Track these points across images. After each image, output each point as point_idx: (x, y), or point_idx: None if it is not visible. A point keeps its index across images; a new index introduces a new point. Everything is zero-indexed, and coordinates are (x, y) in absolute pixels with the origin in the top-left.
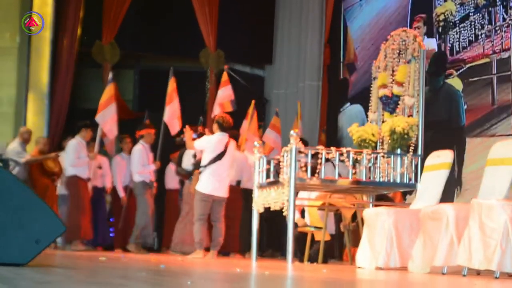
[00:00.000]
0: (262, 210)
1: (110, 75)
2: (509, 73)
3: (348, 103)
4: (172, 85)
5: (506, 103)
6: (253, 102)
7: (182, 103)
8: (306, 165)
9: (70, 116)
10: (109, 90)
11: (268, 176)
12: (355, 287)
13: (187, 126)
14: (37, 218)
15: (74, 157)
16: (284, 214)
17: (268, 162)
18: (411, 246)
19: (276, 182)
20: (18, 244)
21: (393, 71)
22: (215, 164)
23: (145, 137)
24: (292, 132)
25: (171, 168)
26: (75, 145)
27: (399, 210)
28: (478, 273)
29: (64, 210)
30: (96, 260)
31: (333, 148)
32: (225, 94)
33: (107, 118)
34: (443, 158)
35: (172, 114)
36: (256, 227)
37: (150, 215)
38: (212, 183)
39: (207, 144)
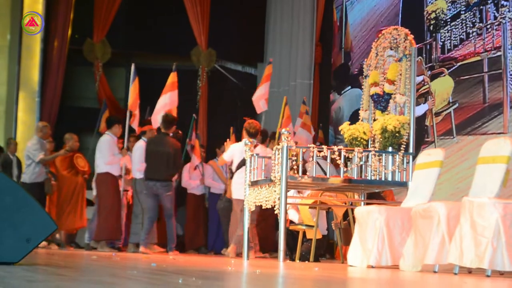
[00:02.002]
0: (253, 208)
1: (133, 69)
2: (500, 71)
3: (349, 86)
4: (172, 77)
5: (497, 101)
6: (285, 98)
7: None
8: (297, 164)
9: (61, 114)
10: (135, 86)
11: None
12: (347, 285)
13: (228, 140)
14: (28, 217)
15: (109, 154)
16: (275, 212)
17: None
18: (403, 244)
19: (267, 180)
20: (9, 243)
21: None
22: (243, 168)
23: (147, 133)
24: (283, 130)
25: None
26: (109, 142)
27: (390, 208)
28: (469, 271)
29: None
30: (87, 259)
31: (324, 147)
32: (267, 89)
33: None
34: (434, 156)
35: (161, 107)
36: (248, 225)
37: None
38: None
39: (235, 151)
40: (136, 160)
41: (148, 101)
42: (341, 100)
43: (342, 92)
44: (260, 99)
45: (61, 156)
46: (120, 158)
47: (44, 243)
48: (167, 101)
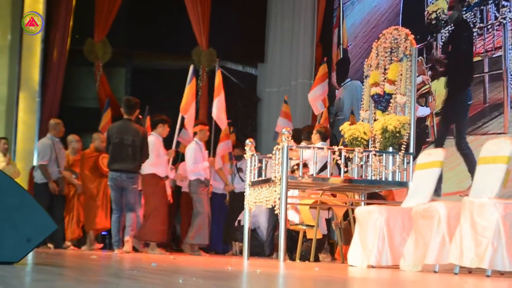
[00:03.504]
0: (254, 208)
1: (191, 70)
2: (500, 71)
3: (349, 79)
4: (218, 77)
5: (498, 101)
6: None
7: (176, 101)
8: (298, 164)
9: (62, 114)
10: (191, 87)
11: (260, 174)
12: (347, 285)
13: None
14: (29, 216)
15: (153, 155)
16: (275, 212)
17: (260, 161)
18: (403, 244)
19: (268, 180)
20: (10, 242)
21: (385, 69)
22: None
23: (198, 134)
24: (284, 130)
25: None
26: (153, 143)
27: (391, 208)
28: (469, 271)
29: None
30: (87, 258)
31: (325, 147)
32: (325, 88)
33: (191, 116)
34: (434, 156)
35: (220, 107)
36: (248, 225)
37: (207, 215)
38: None
39: (310, 155)
40: (189, 161)
41: (147, 101)
42: (342, 92)
43: (342, 84)
44: (317, 100)
45: (85, 156)
46: (167, 159)
47: (67, 243)
48: (223, 102)
